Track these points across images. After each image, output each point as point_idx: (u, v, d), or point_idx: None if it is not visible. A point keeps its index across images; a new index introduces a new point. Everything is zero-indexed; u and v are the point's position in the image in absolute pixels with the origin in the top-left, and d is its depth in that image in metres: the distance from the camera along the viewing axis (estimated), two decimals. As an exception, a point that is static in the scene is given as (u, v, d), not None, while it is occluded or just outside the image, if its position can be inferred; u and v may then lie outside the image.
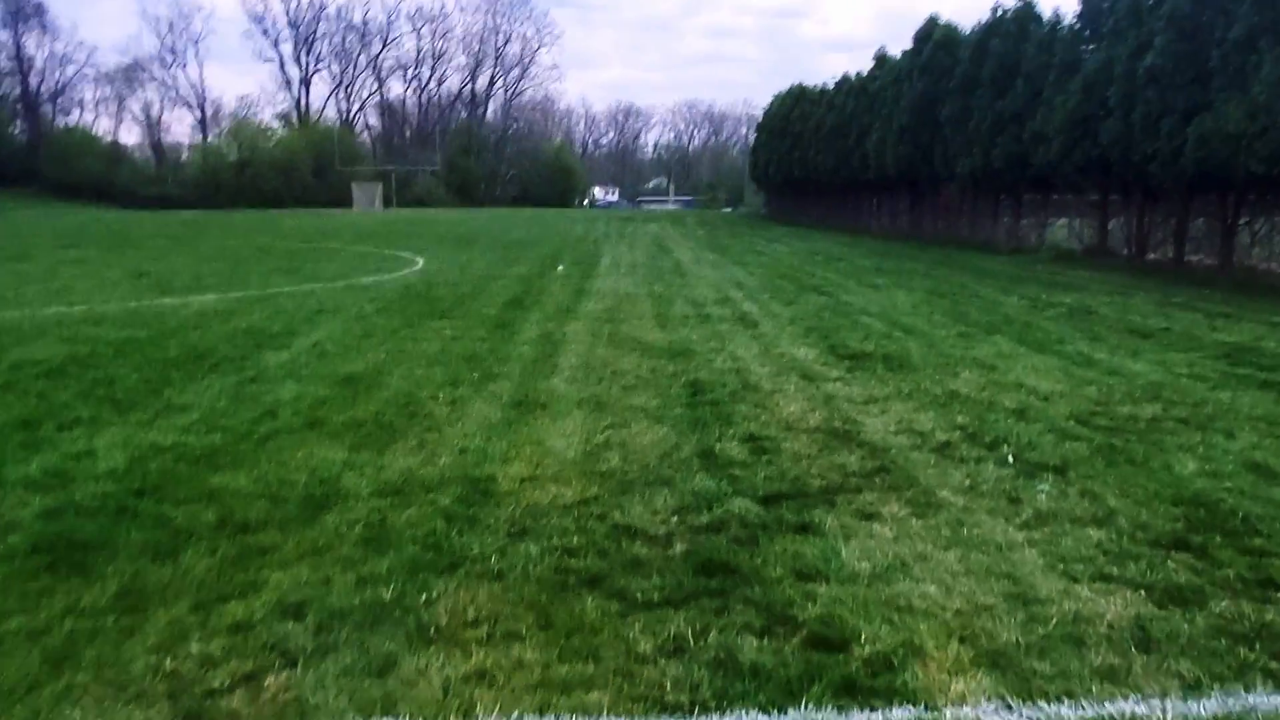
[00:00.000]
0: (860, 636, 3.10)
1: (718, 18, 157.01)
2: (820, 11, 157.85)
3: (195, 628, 3.12)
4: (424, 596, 3.38)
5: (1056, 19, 23.35)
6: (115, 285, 14.72)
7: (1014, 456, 5.09)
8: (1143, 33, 17.30)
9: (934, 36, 30.15)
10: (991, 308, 12.43)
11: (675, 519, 4.23)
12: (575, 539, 3.97)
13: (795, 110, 49.08)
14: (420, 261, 20.39)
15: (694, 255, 23.30)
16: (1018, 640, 3.08)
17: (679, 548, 3.90)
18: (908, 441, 5.48)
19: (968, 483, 4.69)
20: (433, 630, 3.13)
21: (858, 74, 39.98)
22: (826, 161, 41.41)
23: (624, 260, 21.06)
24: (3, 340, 8.99)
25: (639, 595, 3.43)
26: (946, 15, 31.07)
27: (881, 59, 37.20)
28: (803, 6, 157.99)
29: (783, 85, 65.08)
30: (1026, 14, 24.78)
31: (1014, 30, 24.79)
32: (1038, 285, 15.78)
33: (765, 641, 3.09)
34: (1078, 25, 21.13)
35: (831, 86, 43.73)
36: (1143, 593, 3.47)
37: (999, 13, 25.94)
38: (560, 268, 18.55)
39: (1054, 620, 3.22)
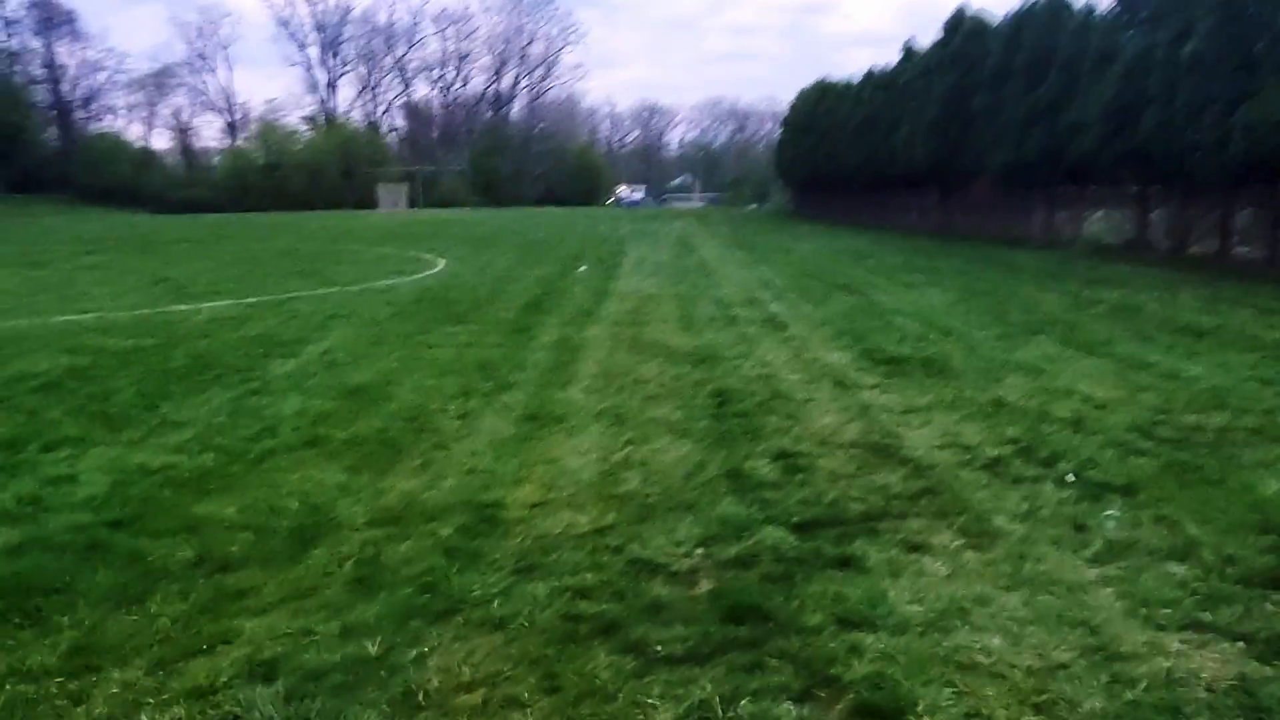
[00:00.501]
0: (917, 704, 2.66)
1: (741, 15, 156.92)
2: (843, 7, 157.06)
3: (150, 693, 2.74)
4: (414, 652, 2.97)
5: (1090, 7, 22.68)
6: (131, 291, 14.49)
7: (1074, 475, 4.60)
8: (1184, 18, 16.62)
9: (963, 27, 29.46)
10: (1031, 306, 11.88)
11: (700, 551, 3.80)
12: (588, 577, 3.55)
13: (820, 106, 48.45)
14: (440, 263, 20.09)
15: (719, 254, 22.84)
16: (1104, 709, 2.63)
17: (704, 587, 3.48)
18: (954, 458, 5.01)
19: (1025, 506, 4.21)
20: (421, 696, 2.72)
21: (884, 67, 39.34)
22: (853, 157, 40.75)
23: (648, 260, 20.63)
24: (4, 351, 8.71)
25: (659, 648, 3.01)
26: (975, 5, 30.13)
27: (909, 51, 36.49)
28: (825, 2, 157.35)
29: (806, 81, 64.64)
30: (1060, 1, 24.09)
31: (1047, 18, 24.10)
32: (1077, 281, 15.17)
33: (805, 709, 2.66)
34: (1116, 11, 20.42)
35: (857, 81, 43.09)
36: (1242, 644, 3.00)
37: (1031, 0, 25.30)
38: (582, 268, 18.16)
39: (1143, 682, 2.76)
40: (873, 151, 37.81)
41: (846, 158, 42.02)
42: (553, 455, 5.17)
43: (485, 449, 5.30)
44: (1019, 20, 25.43)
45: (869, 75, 41.19)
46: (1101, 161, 19.29)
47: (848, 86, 44.70)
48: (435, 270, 18.34)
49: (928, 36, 36.25)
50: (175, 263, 20.71)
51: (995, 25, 27.83)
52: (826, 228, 39.29)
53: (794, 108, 59.35)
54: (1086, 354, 8.19)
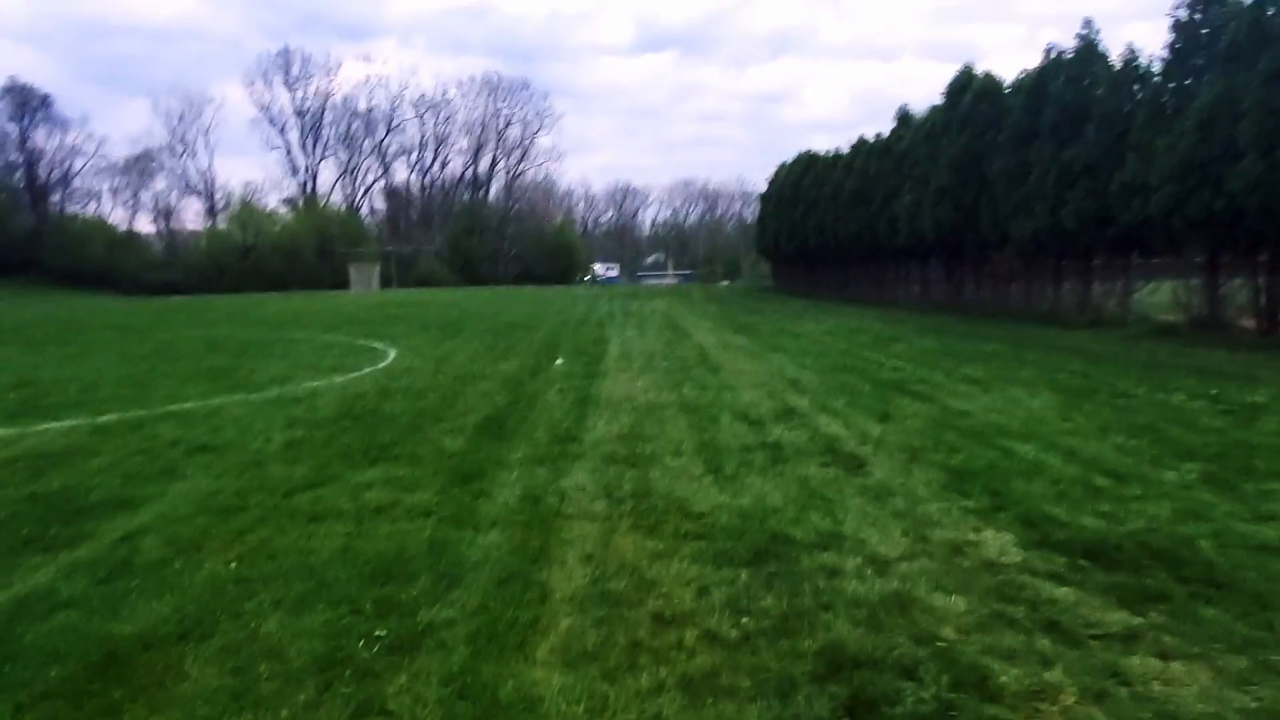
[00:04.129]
0: None
1: (704, 103, 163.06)
2: (800, 96, 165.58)
3: None
4: None
5: (1132, 55, 20.13)
6: (-34, 404, 11.00)
7: None
8: (1278, 52, 13.90)
9: (973, 87, 27.05)
10: (1174, 416, 8.65)
11: None
12: None
13: (807, 177, 46.20)
14: (391, 354, 16.76)
15: (717, 338, 19.64)
16: None
17: None
18: None
19: None
20: None
21: (877, 135, 37.05)
22: (847, 228, 38.18)
23: (636, 348, 17.37)
24: None
25: None
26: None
27: (905, 117, 34.25)
28: (783, 92, 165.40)
29: (770, 163, 64.05)
30: (1089, 52, 21.59)
31: (1078, 71, 21.56)
32: (1181, 373, 12.05)
33: None
34: (1167, 56, 17.78)
35: (847, 150, 40.82)
36: None
37: (1053, 54, 22.83)
38: (559, 361, 14.86)
39: None
40: (869, 222, 35.22)
41: (838, 229, 39.48)
42: None
43: None
44: (1043, 74, 22.91)
45: (860, 143, 38.92)
46: (1173, 225, 16.36)
47: (837, 156, 42.48)
48: (382, 365, 14.98)
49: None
50: (71, 359, 17.21)
51: (1012, 82, 25.42)
52: (820, 304, 36.41)
53: (775, 181, 57.28)
54: None
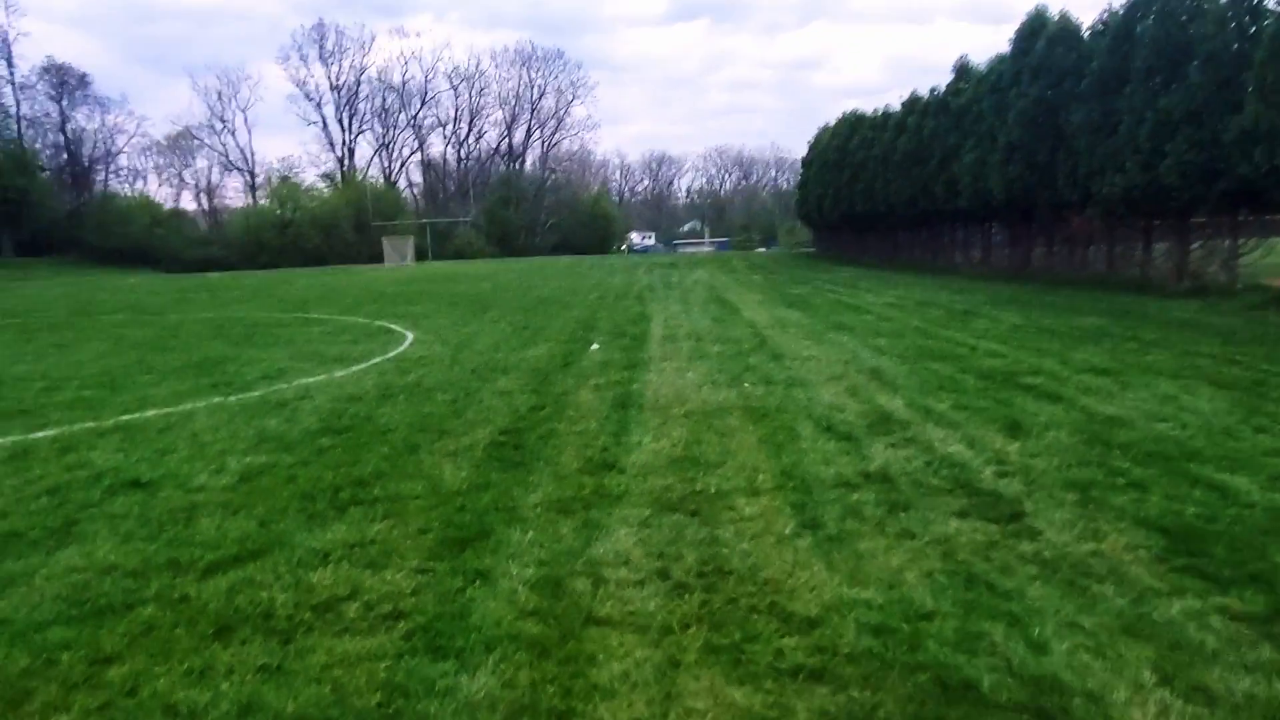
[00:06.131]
0: None
1: (736, 72, 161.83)
2: (831, 62, 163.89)
3: None
4: None
5: (1243, -18, 17.57)
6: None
7: None
8: None
9: (1047, 30, 24.48)
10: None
11: None
12: None
13: (853, 139, 43.59)
14: (408, 339, 14.98)
15: (769, 314, 17.59)
16: None
17: None
18: None
19: None
20: None
21: (932, 90, 34.44)
22: (901, 191, 35.70)
23: (681, 327, 15.39)
24: None
25: None
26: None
27: (964, 68, 31.69)
28: (815, 58, 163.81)
29: (802, 129, 61.54)
30: (1190, -21, 19.01)
31: (1173, 7, 19.00)
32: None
33: None
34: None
35: (896, 109, 38.24)
36: None
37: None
38: (594, 346, 12.95)
39: None
40: (925, 184, 32.75)
41: (889, 192, 37.04)
42: None
43: None
44: (1131, 11, 20.35)
45: (913, 100, 36.36)
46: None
47: (886, 115, 39.88)
48: (394, 353, 13.18)
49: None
50: (56, 349, 15.59)
51: (1092, 24, 22.86)
52: (871, 271, 34.10)
53: (816, 145, 54.74)
54: None
